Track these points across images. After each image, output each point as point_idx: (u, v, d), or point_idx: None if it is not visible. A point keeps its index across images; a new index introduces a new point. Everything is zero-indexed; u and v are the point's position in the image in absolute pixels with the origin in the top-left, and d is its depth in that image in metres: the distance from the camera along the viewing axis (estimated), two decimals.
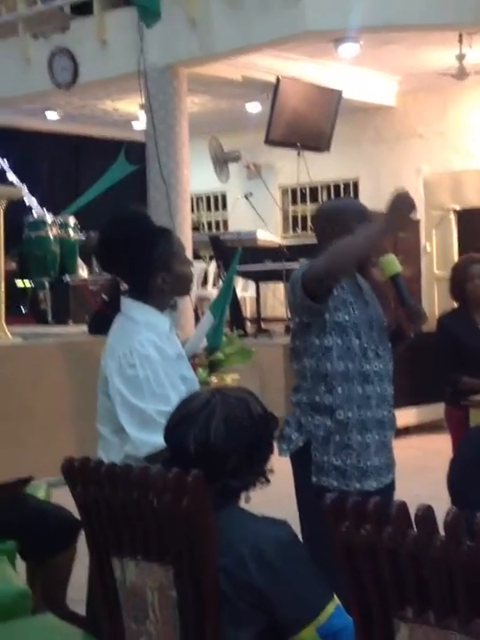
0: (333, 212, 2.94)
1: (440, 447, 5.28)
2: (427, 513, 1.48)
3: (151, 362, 2.48)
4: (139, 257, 2.57)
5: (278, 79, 8.13)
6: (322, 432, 2.80)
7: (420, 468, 5.96)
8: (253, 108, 9.94)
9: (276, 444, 2.83)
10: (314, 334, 2.81)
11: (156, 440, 2.19)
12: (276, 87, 8.14)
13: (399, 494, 2.80)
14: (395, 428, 2.95)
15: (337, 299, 2.82)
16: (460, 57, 7.82)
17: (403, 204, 2.64)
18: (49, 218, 8.72)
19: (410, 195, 2.67)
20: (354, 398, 2.80)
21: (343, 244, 2.69)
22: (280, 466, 2.10)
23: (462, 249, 8.65)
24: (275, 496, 2.71)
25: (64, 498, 3.23)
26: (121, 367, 2.49)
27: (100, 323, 6.48)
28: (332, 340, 2.80)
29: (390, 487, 2.92)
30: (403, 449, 7.35)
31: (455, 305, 4.63)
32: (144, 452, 2.39)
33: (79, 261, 9.17)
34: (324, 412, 2.80)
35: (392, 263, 2.92)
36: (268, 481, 1.99)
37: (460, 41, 7.61)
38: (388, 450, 2.91)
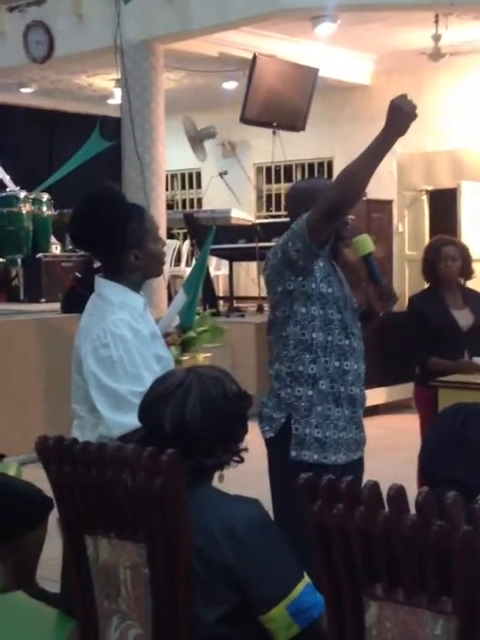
0: (306, 192, 2.91)
1: (408, 427, 5.33)
2: (398, 493, 1.49)
3: (125, 342, 2.47)
4: (111, 233, 2.55)
5: (255, 56, 8.09)
6: (304, 403, 2.79)
7: (387, 448, 6.02)
8: (229, 85, 9.89)
9: (256, 426, 2.85)
10: (298, 302, 2.80)
11: (130, 421, 2.18)
12: (252, 64, 8.10)
13: (367, 472, 2.83)
14: (364, 406, 2.97)
15: (321, 270, 2.81)
16: (436, 37, 7.82)
17: (404, 103, 2.56)
18: (22, 194, 8.63)
19: (403, 99, 2.58)
20: (330, 372, 2.81)
21: (349, 166, 2.62)
22: (253, 444, 2.10)
23: (434, 230, 8.69)
24: (249, 475, 2.73)
25: (34, 475, 3.24)
26: (95, 348, 2.47)
27: (73, 301, 6.47)
28: (316, 309, 2.80)
29: (359, 463, 2.94)
30: (371, 428, 7.42)
31: (426, 285, 4.66)
32: (117, 433, 2.38)
33: (52, 238, 9.09)
34: (306, 383, 2.79)
35: (365, 242, 2.93)
36: (241, 460, 2.00)
37: (437, 22, 7.61)
38: (358, 427, 2.92)
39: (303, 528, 1.70)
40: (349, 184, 2.63)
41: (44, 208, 8.87)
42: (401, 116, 2.57)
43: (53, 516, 2.84)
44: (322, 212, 2.64)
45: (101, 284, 2.63)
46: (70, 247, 9.40)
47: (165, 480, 1.79)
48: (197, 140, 10.30)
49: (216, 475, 2.01)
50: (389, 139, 2.60)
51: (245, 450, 2.01)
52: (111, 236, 2.55)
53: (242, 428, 2.01)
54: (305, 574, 1.86)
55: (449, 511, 1.43)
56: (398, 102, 2.57)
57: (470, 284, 4.76)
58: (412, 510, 1.48)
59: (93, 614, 2.00)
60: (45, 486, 2.42)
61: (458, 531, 1.43)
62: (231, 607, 1.84)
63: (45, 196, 8.97)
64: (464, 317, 4.42)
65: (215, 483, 2.01)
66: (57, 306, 7.24)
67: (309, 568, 1.87)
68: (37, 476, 2.81)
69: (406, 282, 9.05)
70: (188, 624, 1.83)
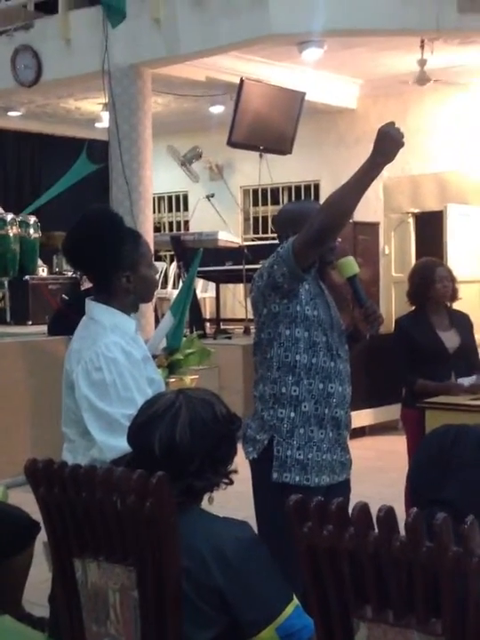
0: (295, 214, 2.93)
1: (395, 448, 5.34)
2: (388, 514, 1.50)
3: (118, 365, 2.47)
4: (106, 254, 2.56)
5: (242, 80, 8.15)
6: (286, 425, 2.80)
7: (375, 469, 6.03)
8: (216, 109, 9.95)
9: (240, 448, 2.85)
10: (283, 325, 2.81)
11: (123, 444, 2.19)
12: (239, 89, 8.15)
13: (355, 493, 2.83)
14: (350, 428, 2.98)
15: (306, 292, 2.82)
16: (422, 62, 7.90)
17: (392, 131, 2.57)
18: (9, 216, 8.64)
19: (391, 128, 2.59)
20: (314, 394, 2.81)
21: (336, 192, 2.63)
22: (242, 467, 2.11)
23: (420, 252, 8.74)
24: (238, 497, 2.73)
25: (21, 499, 3.23)
26: (87, 371, 2.47)
27: (60, 323, 6.46)
28: (300, 332, 2.81)
29: (345, 485, 2.94)
30: (358, 449, 7.43)
31: (412, 308, 4.68)
32: (110, 457, 2.38)
33: (39, 261, 9.10)
34: (289, 405, 2.80)
35: (350, 265, 2.95)
36: (231, 482, 2.00)
37: (422, 46, 7.69)
38: (342, 449, 2.92)
39: (286, 549, 1.70)
40: (336, 210, 2.65)
41: (31, 230, 8.88)
42: (389, 143, 2.58)
43: (40, 539, 2.84)
44: (308, 238, 2.66)
45: (93, 307, 2.63)
46: (57, 269, 9.41)
47: (155, 503, 1.79)
48: (185, 163, 10.36)
49: (205, 497, 2.01)
50: (377, 165, 2.61)
51: (235, 471, 2.01)
52: (105, 257, 2.56)
53: (231, 450, 2.02)
54: (294, 596, 1.86)
55: (438, 532, 1.43)
56: (386, 129, 2.58)
57: (455, 305, 4.80)
58: (402, 532, 1.49)
59: (82, 638, 1.99)
60: (32, 509, 2.42)
61: (447, 552, 1.43)
62: (221, 629, 1.84)
63: (33, 219, 8.99)
64: (450, 339, 4.44)
65: (205, 505, 2.01)
66: (44, 328, 7.23)
67: (294, 589, 1.87)
68: (24, 500, 2.81)
69: (393, 303, 9.09)
70: None
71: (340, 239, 2.96)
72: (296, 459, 2.79)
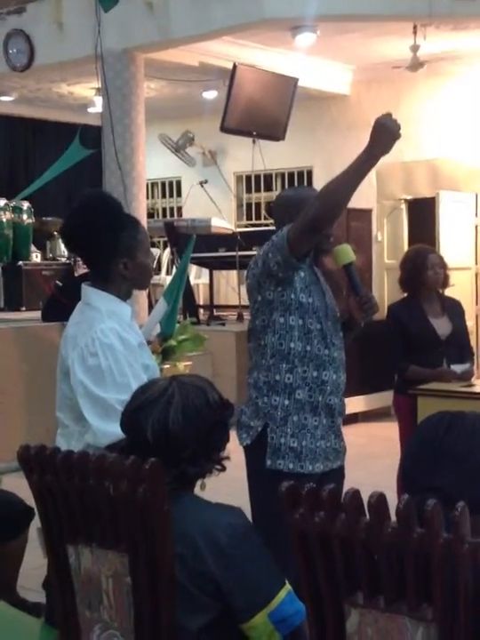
0: (293, 201, 2.91)
1: (388, 435, 5.35)
2: (379, 500, 1.50)
3: (113, 351, 2.47)
4: (104, 238, 2.55)
5: (235, 66, 8.11)
6: (280, 412, 2.80)
7: (367, 456, 6.04)
8: (210, 94, 9.91)
9: (234, 434, 2.86)
10: (277, 312, 2.81)
11: (117, 430, 2.18)
12: (232, 74, 8.12)
13: (347, 480, 2.84)
14: (343, 415, 2.98)
15: (301, 280, 2.82)
16: (414, 48, 7.87)
17: (389, 122, 2.58)
18: (2, 201, 8.60)
19: (387, 119, 2.60)
20: (308, 381, 2.82)
21: (331, 182, 2.61)
22: (236, 453, 2.11)
23: (412, 239, 8.73)
24: (231, 483, 2.73)
25: (15, 485, 3.23)
26: (83, 357, 2.47)
27: (54, 309, 6.46)
28: (294, 319, 2.81)
29: (339, 472, 2.95)
30: (350, 436, 7.42)
31: (404, 294, 4.68)
32: (105, 442, 2.38)
33: (32, 246, 9.07)
34: (283, 392, 2.81)
35: (346, 252, 2.94)
36: (223, 468, 2.01)
37: (415, 32, 7.66)
38: (336, 436, 2.93)
39: (280, 535, 1.70)
40: (331, 200, 2.64)
41: (25, 216, 8.86)
42: (386, 134, 2.58)
43: (35, 525, 2.84)
44: (302, 226, 2.65)
45: (89, 292, 2.62)
46: (51, 255, 9.39)
47: (148, 489, 1.79)
48: (179, 150, 10.32)
49: (198, 483, 2.02)
50: (373, 156, 2.60)
51: (227, 458, 2.02)
52: (103, 242, 2.56)
53: (224, 437, 2.02)
54: (286, 582, 1.87)
55: (429, 519, 1.44)
56: (383, 121, 2.58)
57: (447, 292, 4.80)
58: (393, 518, 1.49)
59: (75, 623, 1.99)
60: (26, 495, 2.42)
61: (438, 538, 1.44)
62: (213, 615, 1.84)
63: (26, 204, 8.95)
64: (442, 326, 4.45)
65: (197, 491, 2.02)
66: (37, 314, 7.21)
67: (287, 575, 1.88)
68: (18, 485, 2.81)
69: (385, 290, 9.09)
70: (171, 633, 1.83)
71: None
72: (290, 446, 2.80)
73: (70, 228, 2.64)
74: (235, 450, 2.11)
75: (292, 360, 2.81)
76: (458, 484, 1.62)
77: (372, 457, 6.00)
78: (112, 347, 2.48)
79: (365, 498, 1.51)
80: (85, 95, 10.15)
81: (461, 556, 1.43)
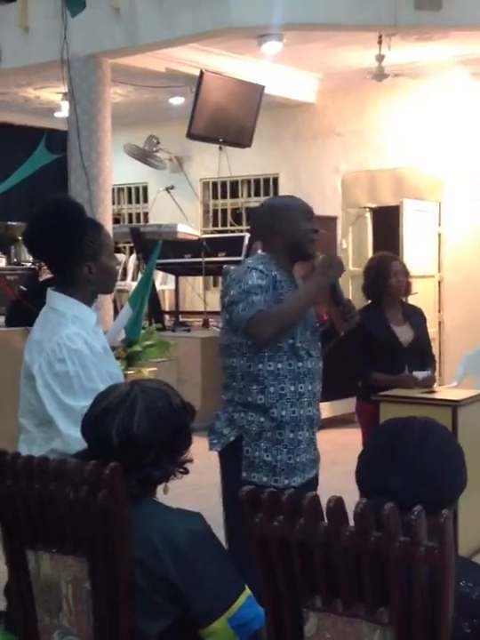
0: (282, 208, 2.97)
1: (351, 441, 5.37)
2: (337, 505, 1.52)
3: (81, 356, 2.46)
4: (67, 243, 2.54)
5: (202, 73, 8.12)
6: (254, 428, 2.83)
7: (329, 462, 6.04)
8: (176, 100, 9.91)
9: (206, 439, 2.86)
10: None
11: None
12: (199, 81, 8.12)
13: None
14: (320, 423, 3.00)
15: (276, 299, 2.83)
16: (380, 58, 7.94)
17: (336, 259, 2.92)
18: None
19: (336, 257, 2.96)
20: (286, 396, 2.83)
21: (284, 311, 2.80)
22: (199, 459, 2.11)
23: (377, 246, 8.80)
24: (195, 488, 2.73)
25: None
26: (50, 362, 2.45)
27: (18, 314, 6.40)
28: None
29: (314, 481, 2.96)
30: None
31: (368, 301, 4.71)
32: (76, 449, 2.35)
33: None
34: (257, 410, 2.83)
35: None
36: (186, 471, 2.01)
37: (380, 42, 7.73)
38: (314, 446, 2.96)
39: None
40: (280, 327, 2.79)
41: None
42: (335, 270, 2.90)
43: None
44: (253, 335, 2.79)
45: (54, 297, 2.61)
46: (15, 260, 9.32)
47: (108, 494, 1.79)
48: (147, 156, 10.29)
49: (160, 488, 2.01)
50: (321, 287, 2.89)
51: (190, 461, 2.02)
52: (66, 246, 2.54)
53: (186, 440, 2.03)
54: (246, 587, 1.87)
55: (385, 522, 1.45)
56: (332, 259, 2.92)
57: (410, 300, 4.84)
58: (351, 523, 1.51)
59: (34, 630, 1.98)
60: None
61: (394, 542, 1.45)
62: (173, 620, 1.84)
63: None
64: (404, 333, 4.49)
65: (160, 495, 2.02)
66: (1, 320, 7.15)
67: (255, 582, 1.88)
68: None
69: (350, 297, 9.13)
70: (131, 638, 1.83)
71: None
72: (264, 460, 2.82)
73: (32, 234, 2.62)
74: (198, 455, 2.12)
75: (262, 381, 2.82)
76: (410, 487, 1.64)
77: (334, 463, 6.01)
78: (79, 352, 2.47)
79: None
80: (52, 99, 10.10)
81: (418, 559, 1.45)
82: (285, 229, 2.89)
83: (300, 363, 2.86)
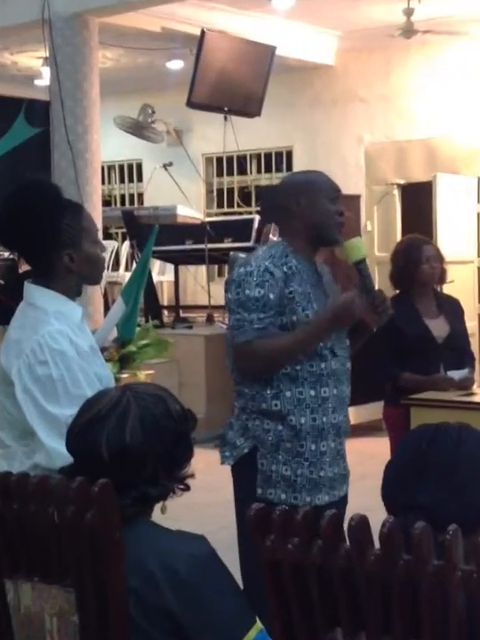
0: (302, 186, 2.93)
1: (378, 451, 5.37)
2: (360, 524, 1.51)
3: (65, 358, 2.45)
4: (42, 229, 2.54)
5: (203, 32, 8.13)
6: (271, 438, 2.81)
7: (356, 475, 6.04)
8: (174, 64, 9.93)
9: (212, 451, 2.86)
10: None
11: None
12: (200, 41, 8.14)
13: None
14: (348, 433, 3.00)
15: (292, 297, 2.81)
16: (408, 12, 7.93)
17: (346, 312, 2.81)
18: None
19: (354, 302, 2.82)
20: (306, 402, 2.82)
21: (276, 350, 2.79)
22: (206, 474, 2.11)
23: (406, 228, 8.79)
24: (197, 508, 2.74)
25: None
26: (30, 365, 2.45)
27: None
28: None
29: (344, 500, 2.95)
30: None
31: (395, 292, 4.69)
32: (59, 464, 2.35)
33: None
34: (274, 418, 2.82)
35: (358, 247, 2.99)
36: (187, 488, 2.01)
37: None
38: (343, 459, 2.95)
39: None
40: (269, 367, 2.81)
41: None
42: (346, 316, 2.82)
43: None
44: (240, 360, 2.84)
45: (32, 290, 2.61)
46: None
47: (97, 514, 1.79)
48: (143, 128, 10.30)
49: (157, 506, 2.01)
50: (329, 332, 2.84)
51: (191, 476, 2.02)
52: (42, 233, 2.54)
53: (187, 451, 2.02)
54: (257, 619, 1.87)
55: (417, 544, 1.45)
56: (345, 305, 2.81)
57: (445, 289, 4.84)
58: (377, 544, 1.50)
59: None
60: None
61: (427, 566, 1.45)
62: None
63: None
64: (439, 327, 4.47)
65: (157, 516, 2.02)
66: None
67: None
68: None
69: (376, 286, 9.13)
70: None
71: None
72: (282, 474, 2.81)
73: (2, 222, 2.62)
74: (203, 470, 2.11)
75: (276, 385, 2.82)
76: (443, 501, 1.64)
77: (361, 477, 6.00)
78: (63, 353, 2.46)
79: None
80: (31, 65, 10.14)
81: (454, 585, 1.44)
82: (306, 211, 2.87)
83: (323, 363, 2.85)
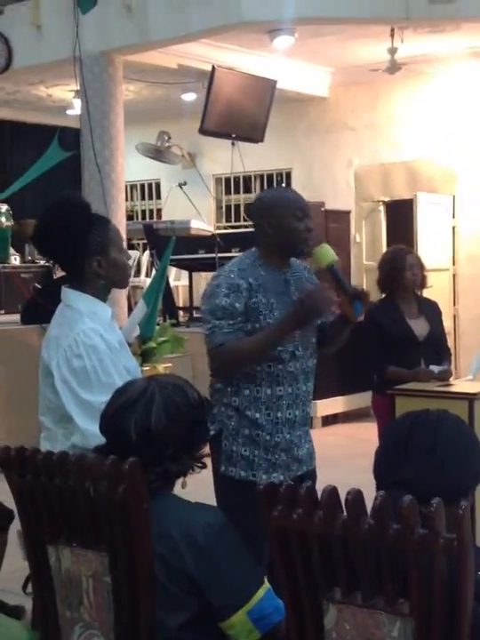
0: (271, 208, 2.86)
1: (367, 435, 5.38)
2: (356, 497, 1.53)
3: (97, 351, 2.48)
4: (73, 240, 2.57)
5: (214, 68, 8.11)
6: (233, 424, 2.82)
7: (346, 456, 6.06)
8: (188, 96, 9.91)
9: None
10: None
11: None
12: (211, 76, 8.12)
13: (326, 481, 2.84)
14: (309, 423, 2.96)
15: (255, 307, 2.79)
16: (392, 51, 7.91)
17: (310, 308, 2.72)
18: None
19: (320, 292, 2.76)
20: (262, 399, 2.81)
21: (243, 351, 2.76)
22: None
23: (390, 240, 8.77)
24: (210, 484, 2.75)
25: None
26: (67, 358, 2.48)
27: (33, 312, 6.44)
28: None
29: (307, 477, 2.86)
30: (330, 436, 7.42)
31: (382, 296, 4.70)
32: (94, 444, 2.37)
33: (11, 249, 9.04)
34: (234, 410, 2.83)
35: (327, 252, 2.91)
36: (204, 465, 2.03)
37: (392, 35, 7.70)
38: (299, 446, 2.89)
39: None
40: (232, 366, 2.80)
41: (3, 219, 8.82)
42: (308, 313, 2.73)
43: (14, 528, 2.84)
44: (212, 369, 2.86)
45: (68, 294, 2.64)
46: (29, 258, 9.36)
47: (128, 488, 1.80)
48: (161, 152, 10.29)
49: (178, 482, 2.03)
50: (286, 333, 2.76)
51: (207, 455, 2.04)
52: (73, 243, 2.57)
53: (204, 434, 2.05)
54: (265, 580, 1.89)
55: (404, 515, 1.46)
56: (306, 303, 2.72)
57: (425, 293, 4.83)
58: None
59: (55, 624, 2.00)
60: (5, 498, 2.42)
61: (413, 534, 1.46)
62: (192, 614, 1.86)
63: (4, 207, 8.92)
64: (420, 327, 4.48)
65: (178, 489, 2.03)
66: (16, 317, 7.19)
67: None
68: None
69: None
70: (151, 631, 1.85)
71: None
72: (241, 454, 2.81)
73: (39, 234, 2.65)
74: None
75: (236, 384, 2.82)
76: (425, 476, 1.66)
77: (350, 457, 6.02)
78: (95, 347, 2.49)
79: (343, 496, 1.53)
80: (64, 97, 10.12)
81: (437, 550, 1.46)
82: (275, 230, 2.83)
83: (280, 365, 2.82)
